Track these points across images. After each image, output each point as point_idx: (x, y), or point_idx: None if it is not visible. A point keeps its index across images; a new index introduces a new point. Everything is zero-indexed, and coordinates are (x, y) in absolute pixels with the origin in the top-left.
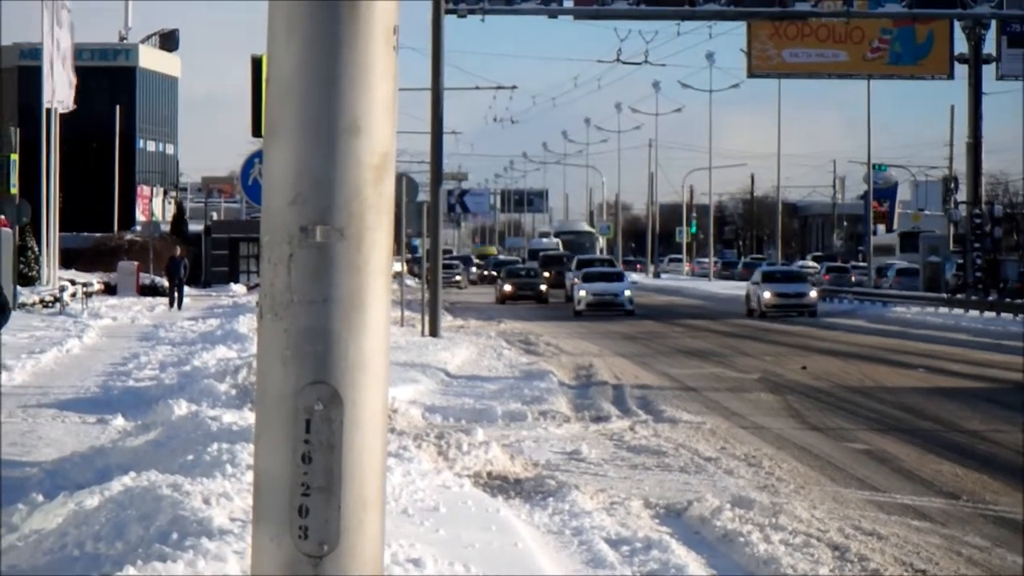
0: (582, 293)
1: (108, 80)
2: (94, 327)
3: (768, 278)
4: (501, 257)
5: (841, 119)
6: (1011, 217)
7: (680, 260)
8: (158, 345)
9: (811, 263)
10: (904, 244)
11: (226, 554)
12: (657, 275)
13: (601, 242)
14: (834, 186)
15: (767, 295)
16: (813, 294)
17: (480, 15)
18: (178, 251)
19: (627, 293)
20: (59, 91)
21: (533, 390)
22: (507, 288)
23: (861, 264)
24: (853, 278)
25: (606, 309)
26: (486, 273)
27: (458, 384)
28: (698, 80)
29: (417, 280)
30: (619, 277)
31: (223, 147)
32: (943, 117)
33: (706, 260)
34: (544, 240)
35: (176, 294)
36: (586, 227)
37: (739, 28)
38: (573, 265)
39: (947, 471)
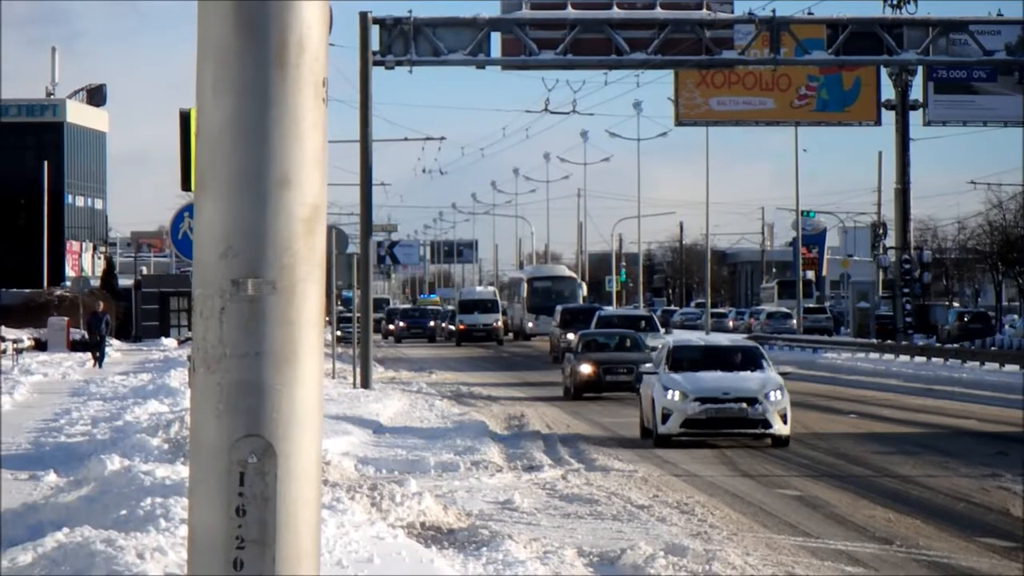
0: (674, 397)
1: (35, 136)
2: (25, 383)
3: None
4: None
5: (769, 166)
6: (940, 262)
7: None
8: (90, 400)
9: (693, 309)
10: (781, 291)
11: None
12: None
13: (584, 290)
14: (763, 233)
15: None
16: None
17: (408, 67)
18: (100, 306)
19: (774, 396)
20: None
21: (465, 440)
22: (585, 370)
23: (742, 310)
24: (731, 323)
25: (730, 429)
26: (444, 326)
27: (390, 435)
28: (626, 129)
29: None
30: (752, 359)
31: (152, 201)
32: (871, 163)
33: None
34: (478, 289)
35: (98, 351)
36: (567, 271)
37: (666, 76)
38: (592, 324)
39: (880, 516)
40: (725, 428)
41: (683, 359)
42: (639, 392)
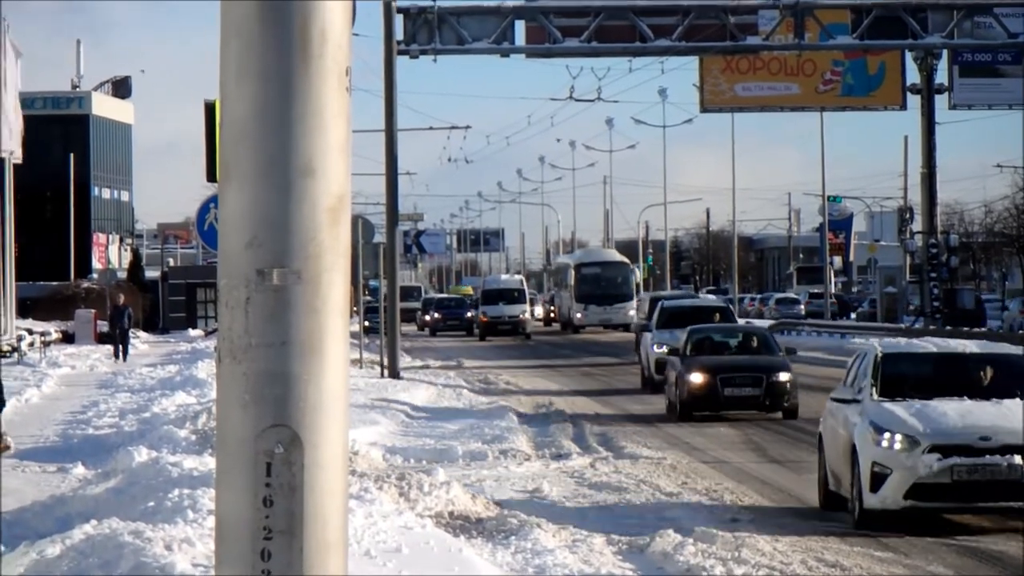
0: (893, 445)
1: (61, 128)
2: (52, 376)
3: None
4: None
5: (795, 152)
6: (967, 246)
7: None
8: (117, 392)
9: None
10: (800, 277)
11: None
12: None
13: (638, 276)
14: (789, 219)
15: None
16: None
17: (432, 55)
18: (121, 299)
19: None
20: (10, 141)
21: (493, 429)
22: (696, 379)
23: (755, 296)
24: (749, 307)
25: (993, 501)
26: (483, 319)
27: (418, 425)
28: (651, 116)
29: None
30: (1015, 375)
31: (178, 193)
32: (896, 148)
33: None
34: (503, 277)
35: (121, 345)
36: (617, 256)
37: (691, 63)
38: (654, 319)
39: None
40: (984, 499)
41: (902, 378)
42: (820, 426)
